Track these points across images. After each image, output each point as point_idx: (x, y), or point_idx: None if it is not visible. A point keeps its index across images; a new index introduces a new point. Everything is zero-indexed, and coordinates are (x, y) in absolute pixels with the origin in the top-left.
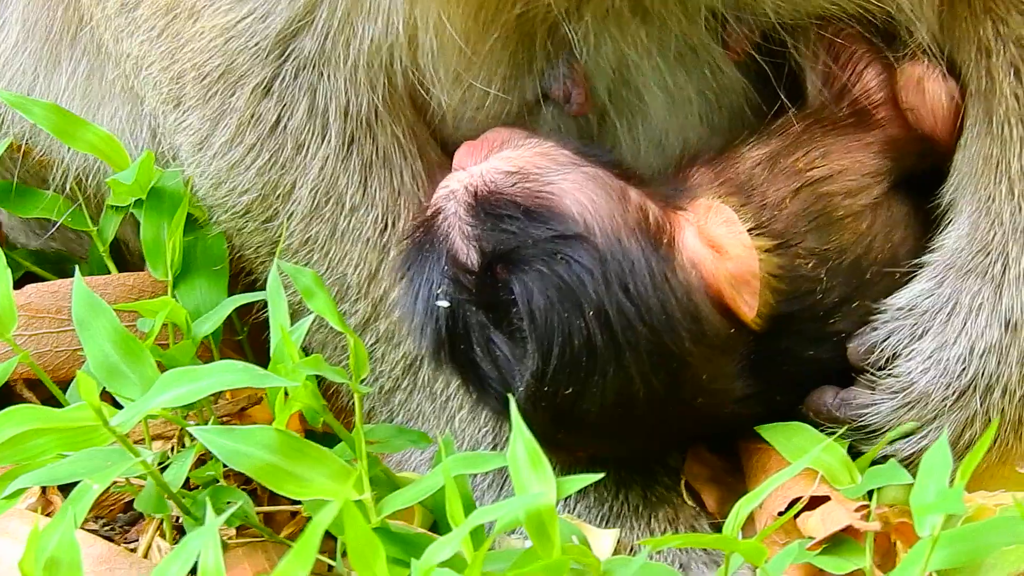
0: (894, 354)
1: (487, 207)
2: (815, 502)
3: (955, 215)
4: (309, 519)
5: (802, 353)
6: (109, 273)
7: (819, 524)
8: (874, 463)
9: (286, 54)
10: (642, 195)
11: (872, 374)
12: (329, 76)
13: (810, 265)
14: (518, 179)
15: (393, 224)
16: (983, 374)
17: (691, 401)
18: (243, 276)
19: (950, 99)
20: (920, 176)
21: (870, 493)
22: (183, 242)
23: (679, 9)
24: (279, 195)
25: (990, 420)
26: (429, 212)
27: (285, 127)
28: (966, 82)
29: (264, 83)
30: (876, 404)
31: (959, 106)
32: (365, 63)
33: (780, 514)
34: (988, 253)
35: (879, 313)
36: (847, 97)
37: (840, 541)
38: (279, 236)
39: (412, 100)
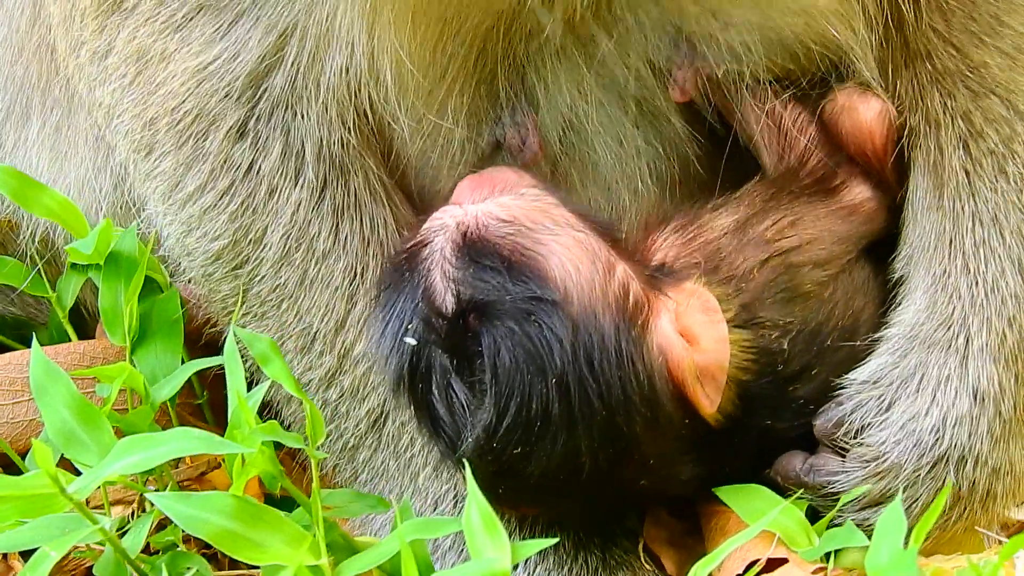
0: (863, 426)
1: (473, 252)
2: (773, 564)
3: (910, 289)
4: None
5: (759, 424)
6: (68, 338)
7: None
8: (832, 526)
9: (258, 94)
10: (628, 271)
11: (842, 444)
12: (302, 115)
13: (774, 337)
14: (510, 230)
15: (361, 274)
16: (956, 445)
17: (635, 480)
18: (207, 327)
19: (882, 117)
20: (875, 242)
21: (828, 556)
22: (141, 307)
23: (621, 57)
24: (250, 240)
25: (961, 491)
26: (416, 240)
27: (259, 171)
28: (916, 154)
29: (238, 126)
30: (846, 472)
31: (893, 125)
32: (336, 99)
33: None
34: (949, 327)
35: (841, 388)
36: (807, 164)
37: None
38: (248, 283)
39: (382, 145)
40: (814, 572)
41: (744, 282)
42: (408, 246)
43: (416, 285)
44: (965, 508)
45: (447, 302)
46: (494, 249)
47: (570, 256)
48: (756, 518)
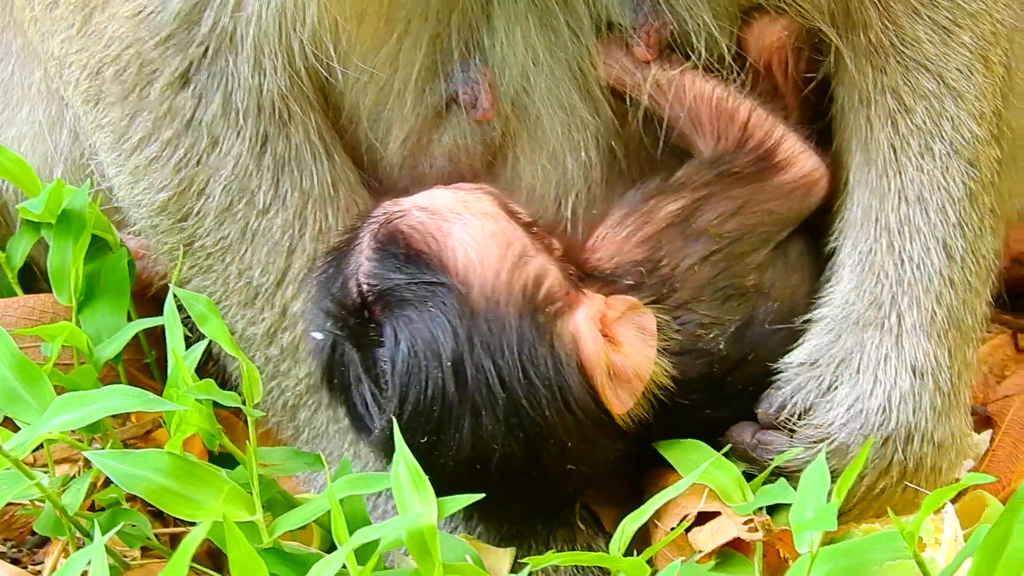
0: (806, 408)
1: (385, 242)
2: (706, 518)
3: (839, 265)
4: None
5: (698, 415)
6: (15, 295)
7: (708, 538)
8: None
9: (192, 38)
10: (548, 265)
11: (789, 426)
12: (236, 62)
13: (711, 336)
14: (425, 218)
15: (300, 230)
16: (902, 423)
17: (557, 468)
18: (159, 280)
19: (783, 35)
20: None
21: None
22: (89, 266)
23: (577, 17)
24: (194, 192)
25: (907, 467)
26: (347, 236)
27: (201, 121)
28: (851, 128)
29: (178, 74)
30: (792, 451)
31: (800, 51)
32: (273, 47)
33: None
34: (880, 306)
35: (778, 372)
36: (743, 149)
37: (731, 558)
38: (192, 235)
39: (324, 98)
40: (745, 523)
41: (684, 280)
42: (340, 240)
43: (336, 281)
44: (910, 484)
45: (353, 295)
46: (403, 239)
47: (475, 245)
48: (690, 468)
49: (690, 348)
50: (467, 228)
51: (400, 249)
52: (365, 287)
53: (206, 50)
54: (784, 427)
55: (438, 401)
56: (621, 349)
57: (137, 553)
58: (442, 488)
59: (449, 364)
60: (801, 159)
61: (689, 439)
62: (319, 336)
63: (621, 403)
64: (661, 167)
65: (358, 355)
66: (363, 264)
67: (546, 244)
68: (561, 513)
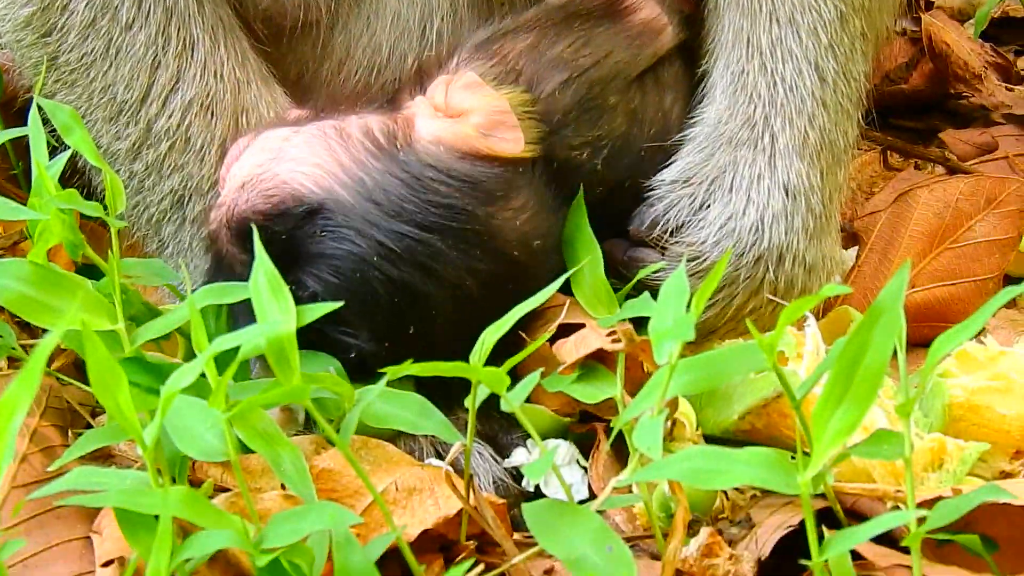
0: (679, 225)
1: (247, 233)
2: (573, 330)
3: (711, 85)
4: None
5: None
6: None
7: (572, 349)
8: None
9: None
10: (362, 120)
11: (661, 244)
12: None
13: (585, 155)
14: (251, 190)
15: (164, 46)
16: (774, 244)
17: (518, 255)
18: (23, 93)
19: None
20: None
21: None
22: None
23: None
24: (57, 7)
25: (777, 289)
26: (210, 240)
27: None
28: None
29: None
30: (666, 271)
31: None
32: None
33: None
34: (754, 126)
35: (651, 190)
36: None
37: (593, 370)
38: (56, 50)
39: None
40: (608, 335)
41: (547, 104)
42: (208, 239)
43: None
44: (779, 306)
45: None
46: (256, 217)
47: (302, 160)
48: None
49: (566, 166)
50: (284, 158)
51: (262, 224)
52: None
53: None
54: (656, 245)
55: (398, 293)
56: (469, 111)
57: (3, 363)
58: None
59: (376, 259)
60: (646, 5)
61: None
62: None
63: (514, 142)
64: (512, 7)
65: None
66: (247, 259)
67: (345, 111)
68: None
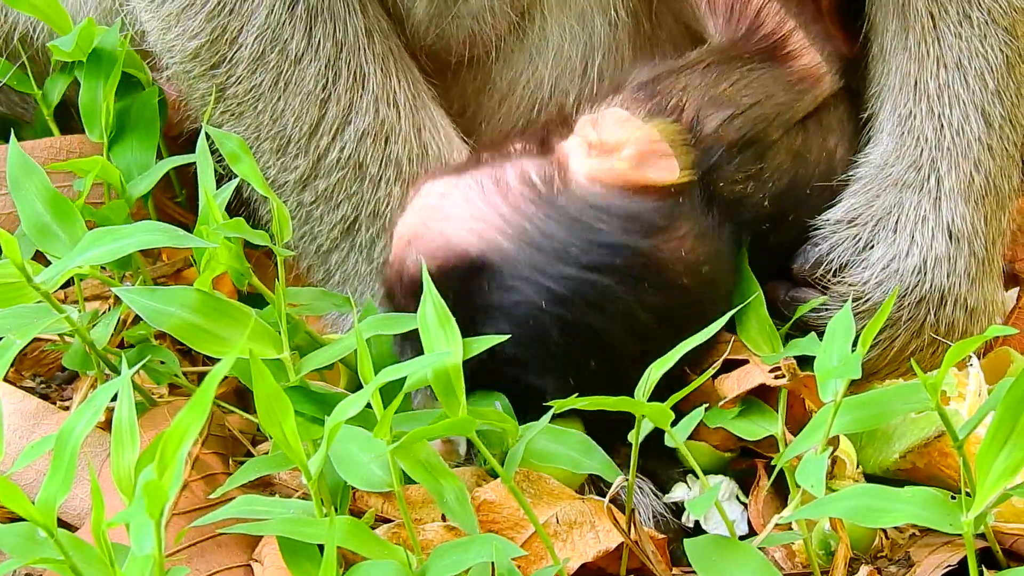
0: (842, 265)
1: (419, 289)
2: (734, 366)
3: (877, 128)
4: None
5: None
6: (51, 134)
7: (734, 384)
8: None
9: None
10: (518, 166)
11: (823, 283)
12: None
13: (749, 189)
14: (417, 248)
15: (333, 80)
16: (936, 286)
17: (688, 283)
18: (188, 124)
19: None
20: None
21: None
22: (119, 104)
23: None
24: (227, 40)
25: (939, 331)
26: (386, 296)
27: None
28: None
29: None
30: (827, 310)
31: None
32: None
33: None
34: (920, 168)
35: (816, 229)
36: (753, 37)
37: (755, 406)
38: (224, 82)
39: None
40: (771, 371)
41: (711, 139)
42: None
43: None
44: (940, 347)
45: None
46: (420, 267)
47: (462, 217)
48: None
49: (730, 198)
50: (446, 216)
51: (432, 276)
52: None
53: None
54: (819, 284)
55: (571, 335)
56: (621, 145)
57: (164, 390)
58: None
59: (548, 302)
60: (807, 53)
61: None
62: None
63: (669, 171)
64: (674, 47)
65: None
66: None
67: (504, 150)
68: None
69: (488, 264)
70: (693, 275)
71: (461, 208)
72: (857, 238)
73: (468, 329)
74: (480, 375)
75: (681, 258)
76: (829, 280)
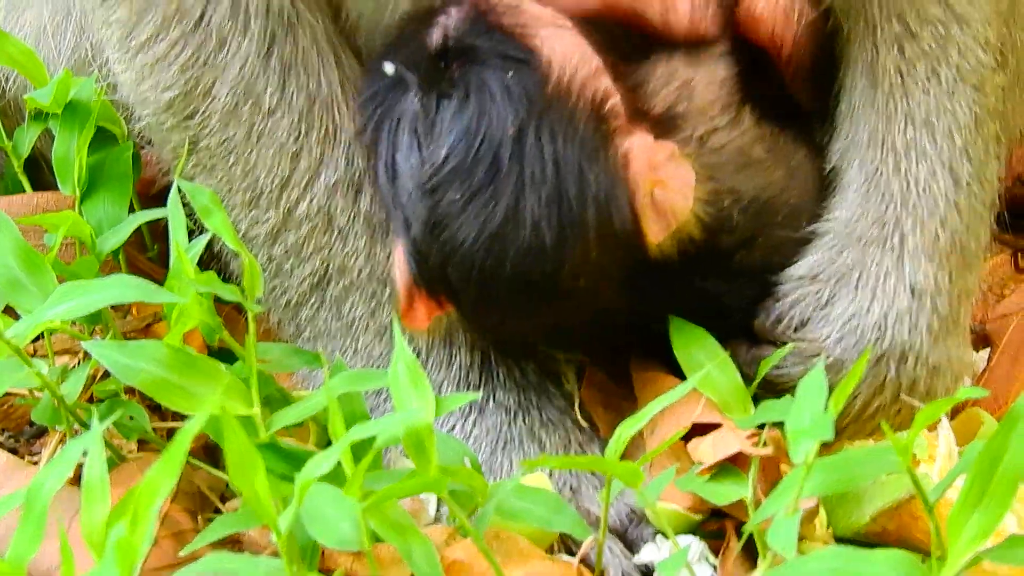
0: (802, 321)
1: (474, 15)
2: (707, 429)
3: (844, 185)
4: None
5: (699, 285)
6: (23, 190)
7: (709, 450)
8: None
9: None
10: (613, 87)
11: (784, 339)
12: None
13: (727, 203)
14: (512, 14)
15: (306, 133)
16: (897, 343)
17: (569, 278)
18: (161, 177)
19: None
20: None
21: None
22: (93, 158)
23: None
24: (200, 92)
25: (901, 387)
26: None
27: (209, 21)
28: (856, 54)
29: None
30: (787, 367)
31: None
32: None
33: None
34: (884, 225)
35: (778, 285)
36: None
37: (725, 470)
38: (197, 135)
39: (329, 2)
40: (748, 436)
41: (706, 143)
42: (418, 11)
43: (413, 32)
44: (905, 405)
45: (434, 42)
46: (495, 13)
47: (561, 43)
48: (693, 369)
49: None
50: (555, 32)
51: (491, 19)
52: (451, 39)
53: None
54: (780, 341)
55: (487, 161)
56: (664, 185)
57: (134, 446)
58: (455, 269)
59: (513, 130)
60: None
61: (697, 327)
62: (389, 69)
63: (657, 231)
64: None
65: (419, 98)
66: (451, 21)
67: (613, 71)
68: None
69: (539, 70)
70: (583, 272)
71: (559, 36)
72: (819, 294)
73: None
74: None
75: (587, 251)
76: (790, 336)
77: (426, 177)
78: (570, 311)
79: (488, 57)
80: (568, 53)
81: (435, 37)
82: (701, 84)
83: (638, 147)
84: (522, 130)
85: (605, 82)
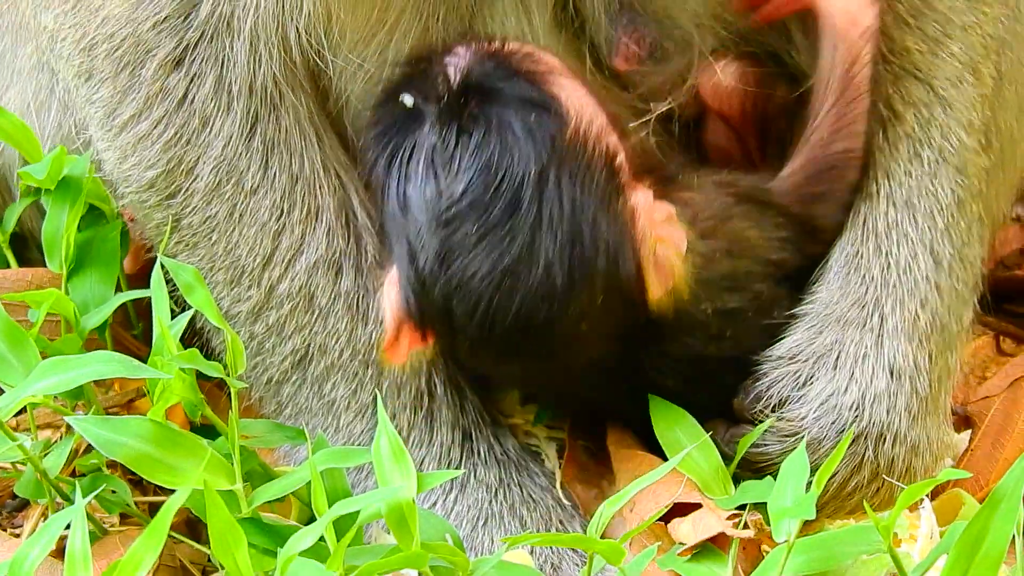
0: (780, 401)
1: (493, 57)
2: (687, 509)
3: (825, 269)
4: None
5: (673, 353)
6: (8, 264)
7: (690, 530)
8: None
9: (189, 23)
10: (620, 144)
11: (762, 418)
12: (232, 47)
13: (703, 307)
14: (533, 60)
15: (288, 212)
16: (875, 422)
17: (574, 320)
18: (144, 253)
19: (735, 79)
20: None
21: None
22: (82, 236)
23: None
24: (183, 171)
25: (879, 467)
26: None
27: (192, 101)
28: None
29: (173, 55)
30: (766, 446)
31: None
32: (267, 34)
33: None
34: (864, 306)
35: (759, 365)
36: None
37: (705, 550)
38: (180, 213)
39: (314, 82)
40: (728, 517)
41: (704, 253)
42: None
43: (425, 69)
44: (881, 484)
45: (454, 79)
46: (514, 62)
47: (576, 94)
48: (673, 449)
49: (688, 307)
50: (571, 84)
51: (511, 63)
52: (469, 76)
53: (202, 34)
54: (758, 420)
55: (506, 198)
56: (665, 243)
57: (116, 519)
58: (459, 297)
59: (535, 171)
60: None
61: (678, 408)
62: (408, 101)
63: (655, 286)
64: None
65: (437, 131)
66: (465, 60)
67: (619, 130)
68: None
69: (559, 115)
70: (584, 319)
71: (576, 88)
72: (798, 374)
73: None
74: None
75: (593, 298)
76: (768, 415)
77: (442, 209)
78: (562, 359)
79: (511, 98)
80: (584, 104)
81: (453, 74)
82: None
83: (642, 204)
84: (544, 171)
85: (613, 137)
